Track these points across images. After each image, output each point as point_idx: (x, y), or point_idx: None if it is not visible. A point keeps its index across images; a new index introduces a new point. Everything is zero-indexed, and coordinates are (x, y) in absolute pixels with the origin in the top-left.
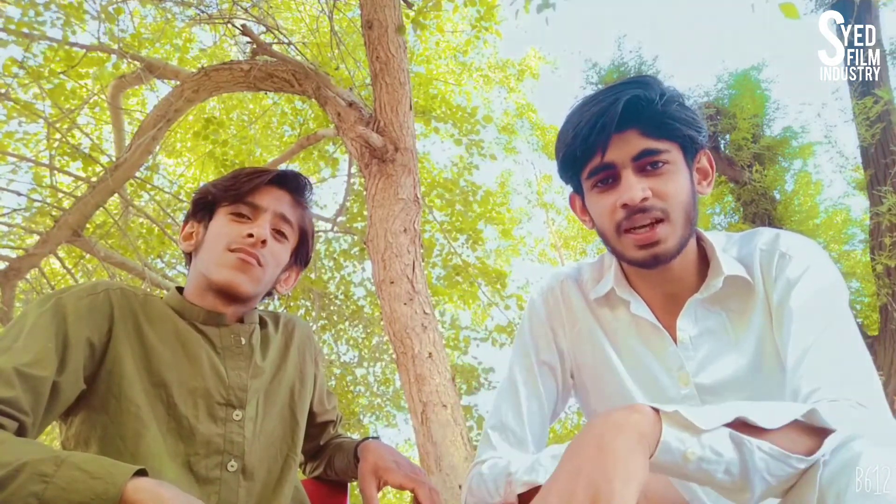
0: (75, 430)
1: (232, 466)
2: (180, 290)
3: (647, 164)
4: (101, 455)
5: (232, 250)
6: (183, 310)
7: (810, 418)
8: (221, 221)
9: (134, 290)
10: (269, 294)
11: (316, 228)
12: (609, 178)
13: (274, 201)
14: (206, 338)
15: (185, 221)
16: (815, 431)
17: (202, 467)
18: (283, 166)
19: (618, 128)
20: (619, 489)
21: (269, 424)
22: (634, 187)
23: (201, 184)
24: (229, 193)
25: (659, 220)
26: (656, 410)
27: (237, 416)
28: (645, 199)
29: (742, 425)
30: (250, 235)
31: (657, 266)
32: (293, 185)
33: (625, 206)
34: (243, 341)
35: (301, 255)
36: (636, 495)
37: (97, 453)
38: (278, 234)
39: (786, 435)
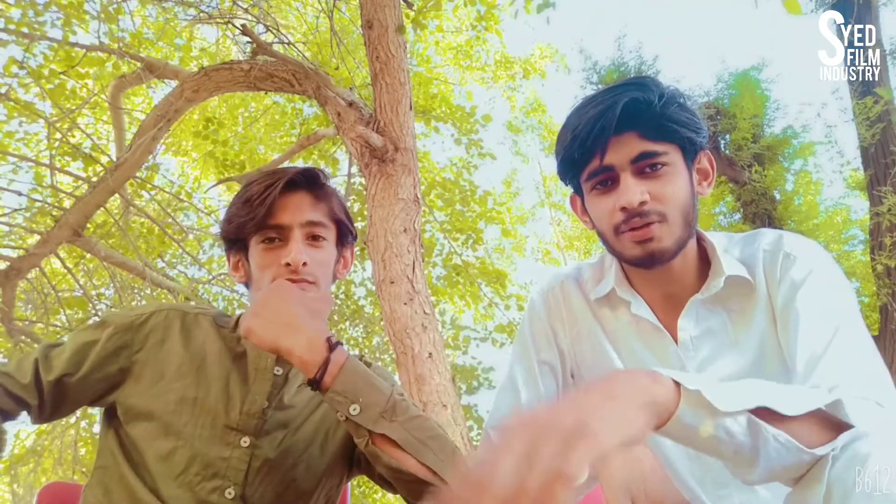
0: (107, 440)
1: (229, 493)
2: None
3: (645, 166)
4: (115, 466)
5: None
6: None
7: (834, 409)
8: (257, 253)
9: (185, 310)
10: (333, 280)
11: None
12: (608, 180)
13: (295, 212)
14: (242, 360)
15: (227, 253)
16: (832, 424)
17: (201, 489)
18: (283, 166)
19: (616, 130)
20: (605, 432)
21: (290, 460)
22: (632, 190)
23: (221, 212)
24: (250, 225)
25: (656, 222)
26: (678, 385)
27: (244, 442)
28: (643, 202)
29: (762, 409)
30: (288, 265)
31: (655, 265)
32: (305, 182)
33: (623, 208)
34: (280, 370)
35: (346, 238)
36: (620, 447)
37: (112, 463)
38: (315, 239)
39: (803, 423)
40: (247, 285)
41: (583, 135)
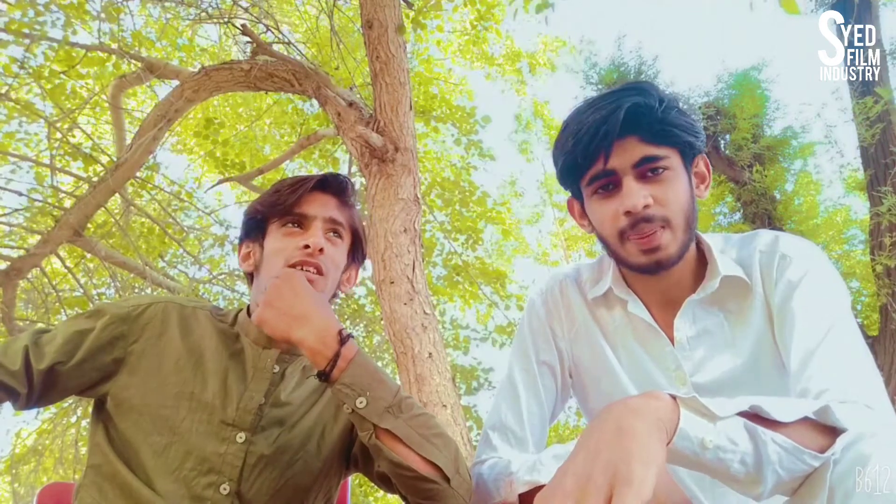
0: (96, 436)
1: (224, 489)
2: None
3: (647, 170)
4: (108, 463)
5: (292, 265)
6: (247, 326)
7: (823, 416)
8: (275, 237)
9: (182, 304)
10: (333, 297)
11: None
12: (610, 184)
13: (321, 207)
14: (240, 356)
15: (240, 243)
16: (826, 430)
17: (196, 484)
18: (283, 166)
19: (619, 134)
20: (638, 470)
21: (286, 457)
22: (636, 194)
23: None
24: (277, 208)
25: (661, 227)
26: (674, 397)
27: (240, 438)
28: (647, 205)
29: (756, 417)
30: (307, 247)
31: (659, 272)
32: (336, 187)
33: (628, 213)
34: (277, 368)
35: (357, 254)
36: (655, 478)
37: (104, 461)
38: (333, 236)
39: (798, 430)
40: (250, 277)
41: (585, 139)
